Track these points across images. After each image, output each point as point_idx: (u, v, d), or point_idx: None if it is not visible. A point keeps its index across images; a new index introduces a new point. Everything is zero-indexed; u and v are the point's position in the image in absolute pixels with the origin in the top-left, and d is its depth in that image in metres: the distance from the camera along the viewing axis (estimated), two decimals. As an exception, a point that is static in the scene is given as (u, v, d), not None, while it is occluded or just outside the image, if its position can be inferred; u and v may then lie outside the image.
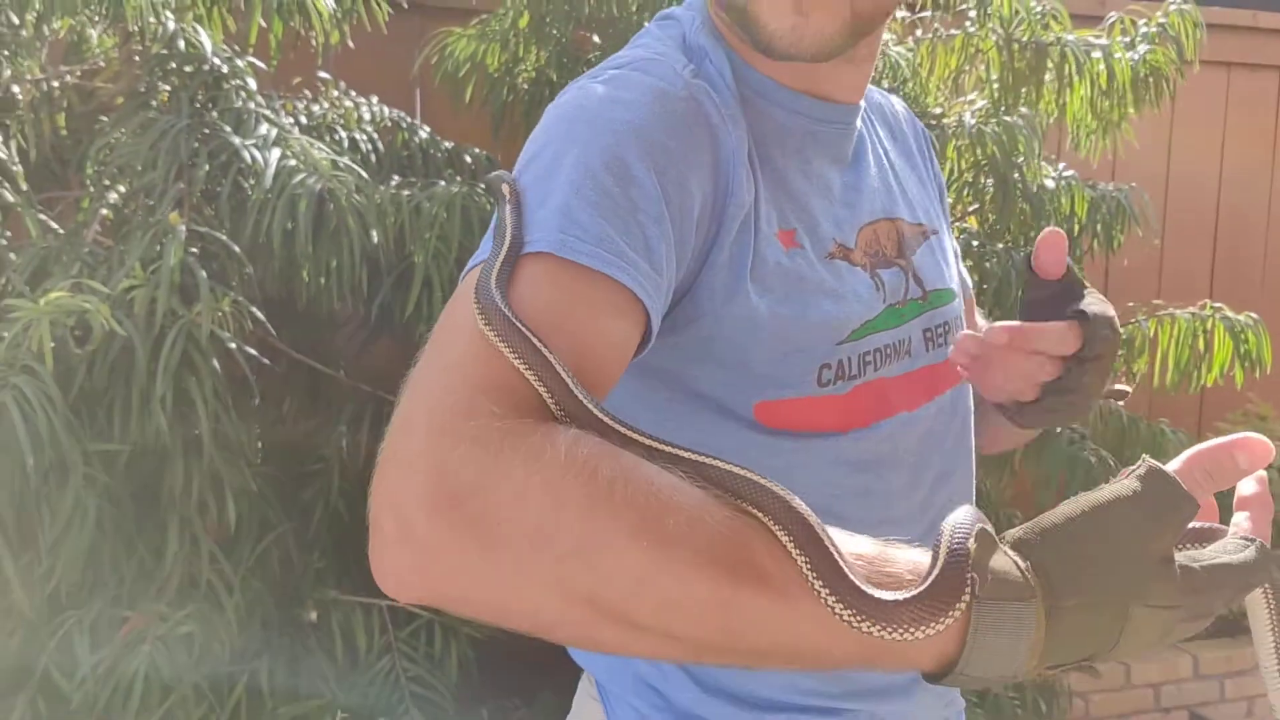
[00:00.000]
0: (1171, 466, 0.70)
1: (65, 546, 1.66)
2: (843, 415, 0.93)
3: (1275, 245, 4.08)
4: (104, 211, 1.99)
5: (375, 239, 1.95)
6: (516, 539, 0.60)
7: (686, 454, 0.65)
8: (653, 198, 0.78)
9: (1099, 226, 2.35)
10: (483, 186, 2.12)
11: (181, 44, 1.98)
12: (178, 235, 1.73)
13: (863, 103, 1.02)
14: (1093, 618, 0.64)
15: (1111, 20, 2.80)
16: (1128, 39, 2.72)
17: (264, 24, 2.06)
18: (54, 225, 2.01)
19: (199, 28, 2.00)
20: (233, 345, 1.73)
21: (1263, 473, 0.74)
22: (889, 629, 0.60)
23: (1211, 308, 2.26)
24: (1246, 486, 0.75)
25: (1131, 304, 2.66)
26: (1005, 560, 0.63)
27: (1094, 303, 0.94)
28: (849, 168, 1.01)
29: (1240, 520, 0.73)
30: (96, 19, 1.88)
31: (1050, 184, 2.11)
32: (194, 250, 1.82)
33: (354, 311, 2.32)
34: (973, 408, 1.10)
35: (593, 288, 0.72)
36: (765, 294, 0.88)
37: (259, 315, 1.85)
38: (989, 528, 0.64)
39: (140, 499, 1.86)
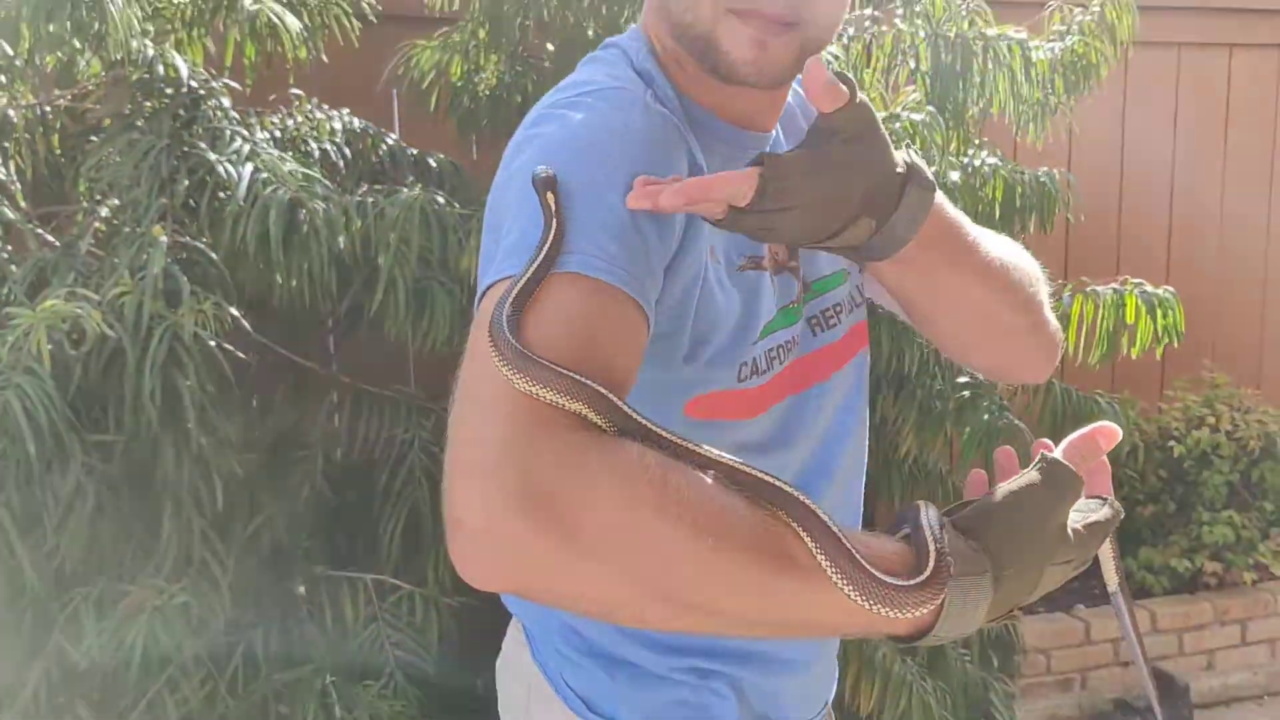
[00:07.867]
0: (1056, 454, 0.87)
1: (68, 528, 1.86)
2: (750, 405, 1.07)
3: (1230, 219, 4.20)
4: (96, 225, 2.18)
5: (342, 244, 2.13)
6: (596, 536, 0.70)
7: (724, 460, 0.76)
8: (657, 223, 0.88)
9: (1028, 210, 2.51)
10: (444, 194, 2.29)
11: (161, 69, 2.16)
12: (160, 246, 1.92)
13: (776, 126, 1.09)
14: (1021, 579, 0.81)
15: (1051, 9, 2.95)
16: (1064, 27, 2.87)
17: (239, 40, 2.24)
18: (50, 239, 2.20)
19: (175, 53, 2.18)
20: (213, 343, 1.91)
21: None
22: (894, 609, 0.75)
23: (1131, 283, 2.41)
24: None
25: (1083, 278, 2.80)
26: (963, 544, 0.79)
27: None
28: None
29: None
30: (82, 48, 2.06)
31: (955, 176, 2.27)
32: (179, 258, 2.00)
33: (331, 310, 2.51)
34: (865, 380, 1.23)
35: (614, 302, 0.82)
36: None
37: (236, 314, 2.04)
38: (945, 519, 0.81)
39: (136, 485, 2.05)
